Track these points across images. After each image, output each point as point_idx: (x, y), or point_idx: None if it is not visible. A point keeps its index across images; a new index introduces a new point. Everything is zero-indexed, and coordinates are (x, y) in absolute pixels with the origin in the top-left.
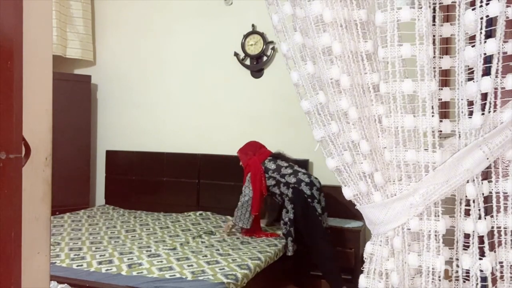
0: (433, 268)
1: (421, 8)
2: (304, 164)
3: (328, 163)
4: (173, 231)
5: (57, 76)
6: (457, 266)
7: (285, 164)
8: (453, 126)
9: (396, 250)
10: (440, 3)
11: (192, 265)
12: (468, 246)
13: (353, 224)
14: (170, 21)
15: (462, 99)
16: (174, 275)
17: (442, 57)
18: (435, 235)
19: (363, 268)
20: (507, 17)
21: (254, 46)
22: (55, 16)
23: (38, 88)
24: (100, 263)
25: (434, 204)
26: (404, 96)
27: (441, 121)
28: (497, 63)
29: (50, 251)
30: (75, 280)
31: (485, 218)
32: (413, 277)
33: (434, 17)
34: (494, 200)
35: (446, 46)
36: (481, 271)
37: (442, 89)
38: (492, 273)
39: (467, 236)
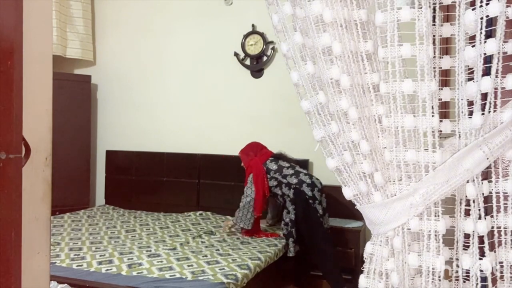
0: (433, 268)
1: (421, 8)
2: (304, 164)
3: (328, 163)
4: (173, 231)
5: (57, 76)
6: (457, 266)
7: (287, 165)
8: (453, 126)
9: (396, 250)
10: (440, 3)
11: (192, 265)
12: (468, 246)
13: (353, 224)
14: (170, 21)
15: (462, 99)
16: (174, 275)
17: (442, 57)
18: (435, 235)
19: (363, 268)
20: (507, 17)
21: (254, 46)
22: (55, 16)
23: (38, 88)
24: (100, 263)
25: (434, 204)
26: (404, 96)
27: (441, 121)
28: (497, 63)
29: (50, 251)
30: (75, 280)
31: (485, 218)
32: (413, 277)
33: (434, 17)
34: (494, 200)
35: (446, 46)
36: (481, 271)
37: (442, 89)
38: (492, 273)
39: (467, 236)
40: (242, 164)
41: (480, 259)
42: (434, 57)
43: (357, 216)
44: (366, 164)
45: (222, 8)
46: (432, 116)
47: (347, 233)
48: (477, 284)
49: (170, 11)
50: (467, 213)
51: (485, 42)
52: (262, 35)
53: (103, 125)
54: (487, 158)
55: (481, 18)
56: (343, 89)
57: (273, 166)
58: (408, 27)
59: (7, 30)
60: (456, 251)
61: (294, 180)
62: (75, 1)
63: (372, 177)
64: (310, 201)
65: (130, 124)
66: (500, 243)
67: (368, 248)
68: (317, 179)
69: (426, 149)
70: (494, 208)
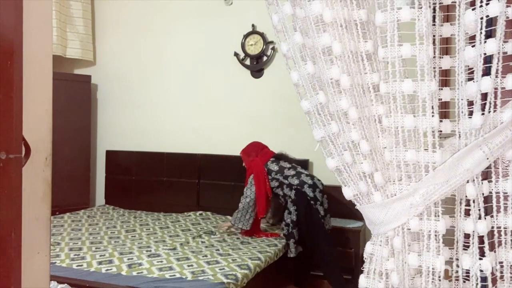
0: (433, 268)
1: (421, 8)
2: (304, 164)
3: (328, 163)
4: (173, 231)
5: (57, 76)
6: (457, 266)
7: (288, 166)
8: (453, 126)
9: (396, 250)
10: (440, 3)
11: (192, 265)
12: (468, 246)
13: (353, 224)
14: (170, 21)
15: (462, 99)
16: (174, 275)
17: (442, 57)
18: (435, 235)
19: (363, 268)
20: (507, 17)
21: (254, 46)
22: (55, 16)
23: (38, 88)
24: (100, 263)
25: (434, 204)
26: (404, 96)
27: (441, 121)
28: (497, 63)
29: (50, 251)
30: (75, 280)
31: (485, 218)
32: (413, 277)
33: (434, 17)
34: (494, 200)
35: (446, 46)
36: (481, 271)
37: (442, 89)
38: (492, 273)
39: (467, 236)
40: (244, 164)
41: (480, 259)
42: (434, 57)
43: (357, 216)
44: (366, 164)
45: (222, 8)
46: (432, 116)
47: (347, 233)
48: (477, 284)
49: (170, 11)
50: (467, 213)
51: (485, 42)
52: (262, 35)
53: (103, 125)
54: (487, 158)
55: (481, 18)
56: (343, 89)
57: (274, 167)
58: (408, 27)
59: (7, 30)
60: (456, 251)
61: (295, 181)
62: (75, 1)
63: (372, 177)
64: (312, 202)
65: (130, 124)
66: (500, 243)
67: (368, 248)
68: (318, 180)
69: (426, 149)
70: (494, 208)
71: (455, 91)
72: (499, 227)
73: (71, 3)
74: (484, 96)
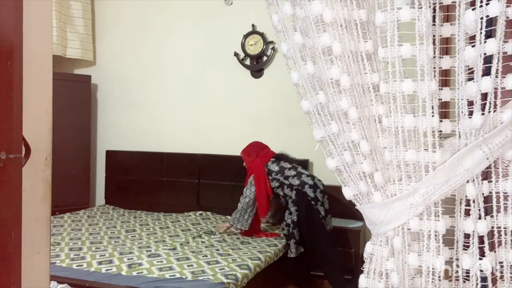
0: (433, 268)
1: (421, 8)
2: (304, 164)
3: (328, 163)
4: (173, 231)
5: (57, 76)
6: (457, 266)
7: (289, 166)
8: (453, 126)
9: (396, 250)
10: (440, 3)
11: (192, 265)
12: (468, 246)
13: (353, 224)
14: (170, 21)
15: (462, 99)
16: (174, 275)
17: (442, 57)
18: (435, 235)
19: (363, 268)
20: (507, 17)
21: (254, 46)
22: (55, 16)
23: (38, 88)
24: (100, 263)
25: (434, 204)
26: (404, 96)
27: (441, 121)
28: (497, 63)
29: (50, 251)
30: (75, 280)
31: (485, 218)
32: (413, 277)
33: (434, 17)
34: (494, 200)
35: (446, 46)
36: (481, 271)
37: (442, 89)
38: (492, 273)
39: (467, 236)
40: (244, 164)
41: (480, 259)
42: (434, 57)
43: (357, 216)
44: (366, 164)
45: (222, 8)
46: (432, 116)
47: (347, 233)
48: (477, 284)
49: (170, 11)
50: (467, 213)
51: (485, 42)
52: (262, 35)
53: (103, 125)
54: (487, 158)
55: (481, 18)
56: (343, 89)
57: (274, 167)
58: (408, 27)
59: (7, 30)
60: (456, 251)
61: (296, 182)
62: (75, 1)
63: (372, 177)
64: (313, 202)
65: (130, 124)
66: (500, 243)
67: (368, 248)
68: (319, 180)
69: (426, 149)
70: (494, 208)
71: (455, 91)
72: (499, 227)
73: (71, 3)
74: (484, 96)
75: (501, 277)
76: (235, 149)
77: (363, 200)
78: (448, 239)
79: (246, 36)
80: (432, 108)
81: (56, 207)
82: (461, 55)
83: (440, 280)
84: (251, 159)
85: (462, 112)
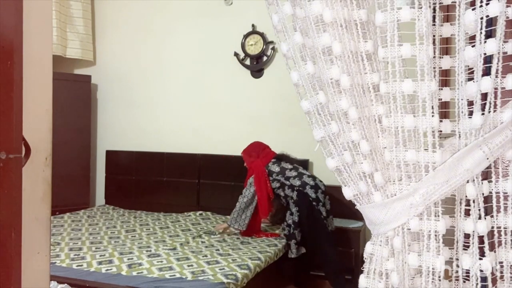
0: (433, 268)
1: (421, 8)
2: (304, 164)
3: (328, 163)
4: (173, 231)
5: (57, 76)
6: (457, 266)
7: (290, 167)
8: (453, 126)
9: (396, 250)
10: (440, 3)
11: (192, 265)
12: (468, 246)
13: (353, 224)
14: (170, 21)
15: (462, 99)
16: (174, 275)
17: (442, 57)
18: (435, 235)
19: (363, 268)
20: (507, 17)
21: (254, 46)
22: (55, 16)
23: (38, 88)
24: (100, 263)
25: (434, 204)
26: (404, 96)
27: (441, 121)
28: (497, 63)
29: (50, 251)
30: (75, 280)
31: (485, 218)
32: (413, 277)
33: (434, 17)
34: (494, 200)
35: (446, 46)
36: (481, 271)
37: (442, 89)
38: (492, 273)
39: (467, 236)
40: (245, 164)
41: (480, 259)
42: (434, 57)
43: (357, 216)
44: (366, 164)
45: (222, 8)
46: (432, 116)
47: (347, 233)
48: (477, 284)
49: (170, 11)
50: (467, 213)
51: (485, 42)
52: (262, 35)
53: (103, 125)
54: (487, 158)
55: (481, 18)
56: (343, 89)
57: (275, 168)
58: (408, 27)
59: (7, 30)
60: (456, 251)
61: (297, 182)
62: (75, 1)
63: (372, 177)
64: (314, 203)
65: (130, 124)
66: (500, 243)
67: (368, 248)
68: (320, 181)
69: (426, 149)
70: (494, 208)
71: (455, 91)
72: (499, 227)
73: (71, 3)
74: (484, 96)
75: (501, 277)
76: (235, 149)
77: (363, 200)
78: (448, 239)
79: (246, 36)
80: (432, 108)
81: (56, 207)
82: (461, 55)
83: (440, 280)
84: (252, 159)
85: (462, 112)
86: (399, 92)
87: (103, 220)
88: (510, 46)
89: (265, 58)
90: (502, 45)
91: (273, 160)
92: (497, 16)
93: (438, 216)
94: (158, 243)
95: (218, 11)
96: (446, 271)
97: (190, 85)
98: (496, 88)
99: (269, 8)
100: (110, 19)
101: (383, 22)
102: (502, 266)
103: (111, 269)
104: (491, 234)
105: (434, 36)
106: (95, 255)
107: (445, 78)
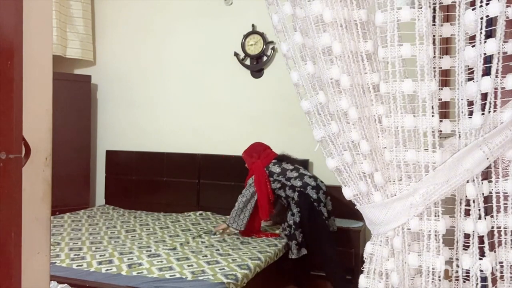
0: (433, 268)
1: (421, 8)
2: (304, 164)
3: (328, 163)
4: (173, 231)
5: (57, 76)
6: (457, 266)
7: (291, 167)
8: (453, 126)
9: (396, 250)
10: (440, 3)
11: (192, 265)
12: (468, 246)
13: (353, 224)
14: (170, 21)
15: (462, 99)
16: (174, 275)
17: (442, 57)
18: (435, 235)
19: (363, 268)
20: (507, 17)
21: (254, 46)
22: (55, 16)
23: (38, 88)
24: (100, 263)
25: (434, 204)
26: (404, 96)
27: (441, 121)
28: (497, 63)
29: (50, 251)
30: (75, 280)
31: (485, 218)
32: (413, 277)
33: (434, 17)
34: (494, 200)
35: (446, 46)
36: (481, 271)
37: (442, 89)
38: (492, 273)
39: (467, 236)
40: (246, 165)
41: (480, 259)
42: (434, 57)
43: (357, 216)
44: (366, 164)
45: (222, 8)
46: (432, 116)
47: (347, 233)
48: (477, 284)
49: (170, 11)
50: (467, 213)
51: (485, 42)
52: (262, 35)
53: (103, 125)
54: (487, 158)
55: (481, 18)
56: (343, 89)
57: (276, 169)
58: (408, 27)
59: (7, 30)
60: (456, 251)
61: (298, 183)
62: (75, 1)
63: (372, 177)
64: (315, 204)
65: (130, 124)
66: (500, 243)
67: (368, 248)
68: (321, 181)
69: (426, 149)
70: (494, 208)
71: (455, 91)
72: (499, 227)
73: (71, 3)
74: (484, 96)
75: (501, 277)
76: (235, 149)
77: (363, 200)
78: (448, 239)
79: (246, 36)
80: (432, 108)
81: (56, 207)
82: (461, 55)
83: (440, 280)
84: (253, 160)
85: (462, 112)
86: (399, 92)
87: (103, 220)
88: (510, 46)
89: (265, 58)
90: (502, 45)
91: (274, 160)
92: (497, 16)
93: (438, 216)
94: (158, 243)
95: (218, 11)
96: (446, 271)
97: (190, 85)
98: (496, 88)
99: (269, 8)
100: (110, 19)
101: (383, 22)
102: (502, 266)
103: (111, 269)
104: (491, 234)
105: (434, 36)
106: (95, 255)
107: (445, 78)
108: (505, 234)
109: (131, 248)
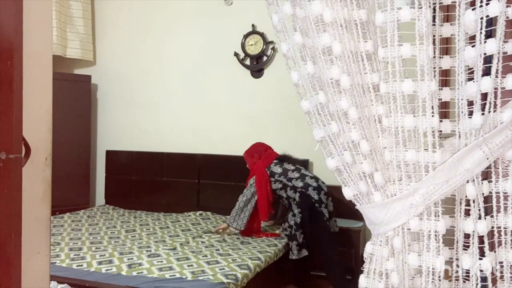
0: (433, 268)
1: (421, 8)
2: (305, 164)
3: (328, 163)
4: (173, 231)
5: (57, 76)
6: (457, 266)
7: (292, 168)
8: (453, 126)
9: (396, 250)
10: (440, 3)
11: (192, 265)
12: (468, 246)
13: (353, 224)
14: (170, 21)
15: (462, 99)
16: (174, 275)
17: (442, 57)
18: (435, 235)
19: (363, 268)
20: (507, 17)
21: (254, 46)
22: (55, 16)
23: (38, 88)
24: (100, 263)
25: (434, 204)
26: (404, 96)
27: (441, 121)
28: (497, 63)
29: (50, 251)
30: (75, 280)
31: (485, 218)
32: (413, 277)
33: (434, 17)
34: (494, 200)
35: (446, 46)
36: (481, 271)
37: (442, 89)
38: (492, 273)
39: (467, 236)
40: (247, 165)
41: (480, 259)
42: (434, 57)
43: (357, 216)
44: (366, 164)
45: (222, 8)
46: (432, 116)
47: (347, 233)
48: (477, 284)
49: (170, 11)
50: (467, 213)
51: (485, 42)
52: (262, 35)
53: (103, 125)
54: (487, 158)
55: (481, 18)
56: (343, 89)
57: (277, 169)
58: (408, 27)
59: (7, 30)
60: (456, 251)
61: (299, 184)
62: (75, 1)
63: (372, 177)
64: (316, 205)
65: (130, 124)
66: (500, 243)
67: (368, 248)
68: (323, 182)
69: (426, 149)
70: (494, 208)
71: (455, 91)
72: (499, 227)
73: (71, 3)
74: (484, 96)
75: (501, 277)
76: (235, 149)
77: (363, 200)
78: (448, 239)
79: (246, 36)
80: (432, 108)
81: (56, 207)
82: (461, 55)
83: (440, 280)
84: (254, 160)
85: (462, 112)
86: (399, 92)
87: (103, 220)
88: (510, 46)
89: (265, 58)
90: (502, 45)
91: (275, 161)
92: (497, 16)
93: (438, 216)
94: (158, 243)
95: (218, 11)
96: (446, 271)
97: (190, 85)
98: (496, 88)
99: (269, 8)
100: (110, 19)
101: (383, 22)
102: (502, 266)
103: (111, 269)
104: (491, 234)
105: (434, 36)
106: (95, 255)
107: (445, 78)
108: (505, 234)
109: (131, 248)
